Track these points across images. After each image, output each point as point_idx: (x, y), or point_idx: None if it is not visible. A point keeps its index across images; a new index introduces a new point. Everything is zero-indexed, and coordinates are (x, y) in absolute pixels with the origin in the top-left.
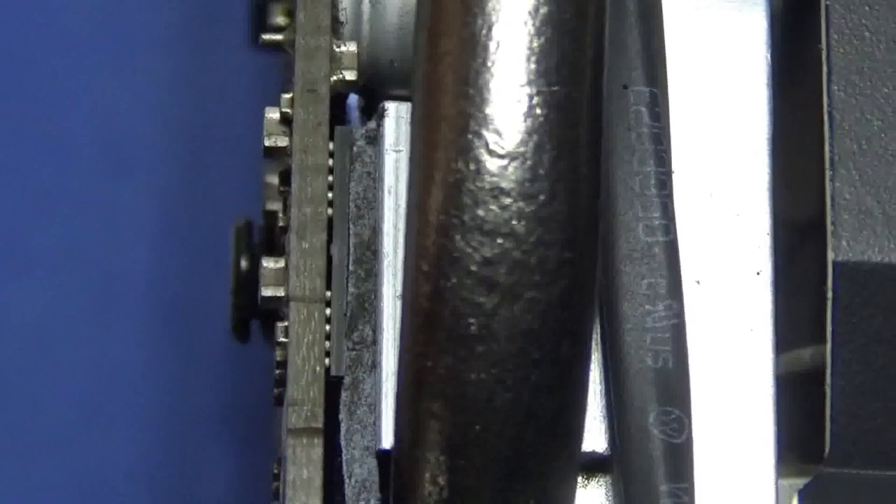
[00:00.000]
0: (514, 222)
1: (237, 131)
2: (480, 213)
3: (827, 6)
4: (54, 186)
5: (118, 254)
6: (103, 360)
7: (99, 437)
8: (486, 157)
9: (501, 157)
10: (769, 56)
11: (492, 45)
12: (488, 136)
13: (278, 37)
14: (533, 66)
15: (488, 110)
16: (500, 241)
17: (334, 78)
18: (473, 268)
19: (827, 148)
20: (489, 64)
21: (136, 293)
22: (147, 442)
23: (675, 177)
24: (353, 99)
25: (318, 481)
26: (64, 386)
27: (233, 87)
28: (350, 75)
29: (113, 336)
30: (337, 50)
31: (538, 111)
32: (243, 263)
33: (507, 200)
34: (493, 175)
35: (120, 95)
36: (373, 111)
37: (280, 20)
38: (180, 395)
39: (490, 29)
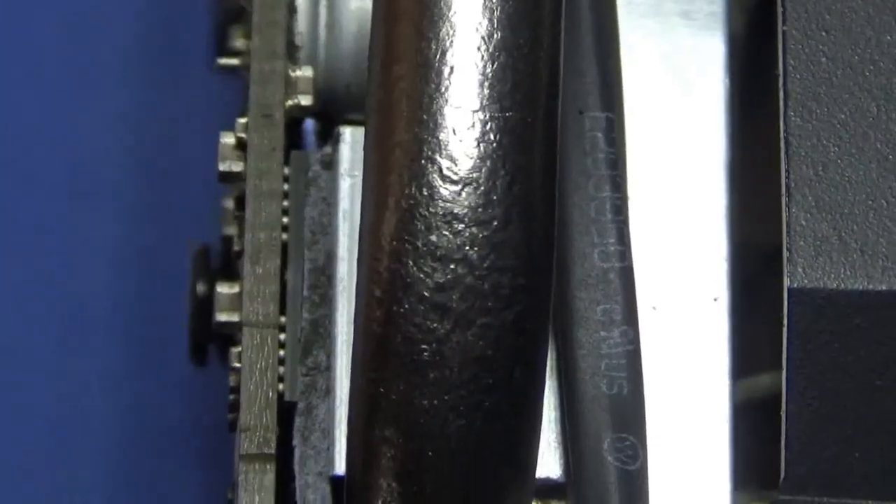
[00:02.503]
0: (467, 248)
1: (200, 154)
2: (433, 238)
3: (784, 32)
4: (13, 210)
5: (80, 278)
6: (66, 384)
7: (61, 461)
8: (439, 183)
9: (455, 182)
10: (727, 81)
11: (445, 71)
12: (441, 161)
13: (234, 61)
14: (486, 91)
15: (441, 136)
16: (452, 266)
17: (290, 103)
18: (426, 293)
19: (783, 174)
20: (442, 89)
21: (98, 317)
22: (109, 465)
23: (631, 202)
24: (309, 124)
25: None
26: (26, 410)
27: (196, 110)
28: (305, 100)
29: (76, 360)
30: (292, 74)
31: (491, 136)
32: (200, 288)
33: (461, 226)
34: (446, 201)
35: (82, 119)
36: (329, 136)
37: (239, 43)
38: (143, 418)
39: (443, 54)
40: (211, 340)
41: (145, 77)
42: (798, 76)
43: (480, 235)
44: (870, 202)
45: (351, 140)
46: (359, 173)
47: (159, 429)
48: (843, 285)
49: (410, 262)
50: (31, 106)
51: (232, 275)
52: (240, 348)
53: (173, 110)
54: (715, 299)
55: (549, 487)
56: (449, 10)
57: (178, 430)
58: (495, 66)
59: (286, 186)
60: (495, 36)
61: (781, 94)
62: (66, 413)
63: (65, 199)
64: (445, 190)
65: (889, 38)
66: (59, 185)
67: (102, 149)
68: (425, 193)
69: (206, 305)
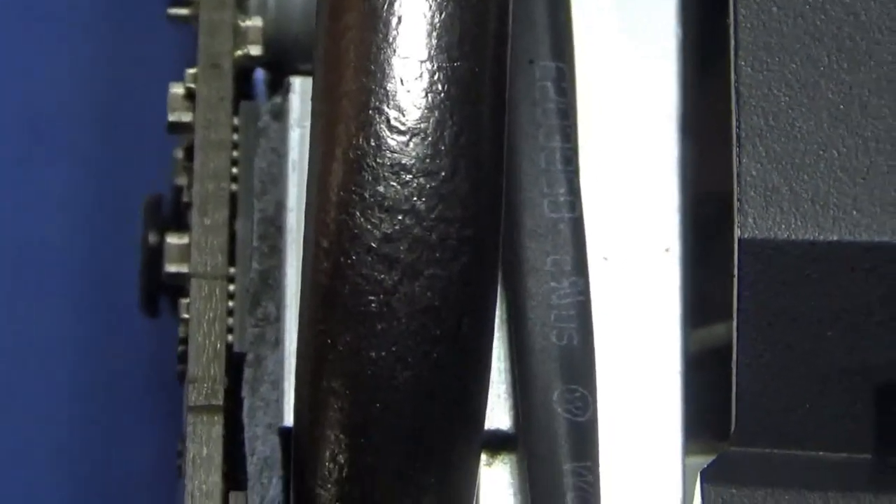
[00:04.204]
0: (414, 199)
1: (156, 104)
2: (381, 189)
3: None
4: None
5: (33, 227)
6: (19, 333)
7: (11, 412)
8: (386, 134)
9: (402, 133)
10: (679, 31)
11: (393, 21)
12: (389, 112)
13: (184, 11)
14: (434, 41)
15: (389, 86)
16: (400, 217)
17: (239, 53)
18: (374, 244)
19: (734, 124)
20: (390, 39)
21: (51, 266)
22: (61, 416)
23: (582, 152)
24: (259, 74)
25: (217, 459)
26: None
27: (154, 59)
28: (255, 50)
29: (28, 309)
30: (242, 24)
31: (439, 87)
32: (151, 238)
33: (408, 177)
34: (393, 151)
35: (36, 68)
36: (279, 86)
37: None
38: (96, 369)
39: (391, 4)
40: (162, 291)
41: (102, 25)
42: (748, 26)
43: (428, 186)
44: (821, 152)
45: (301, 90)
46: (308, 124)
47: (112, 380)
48: (793, 236)
49: (358, 213)
50: None
51: (183, 225)
52: (189, 299)
53: (130, 58)
54: (666, 250)
55: (499, 439)
56: None
57: (131, 382)
58: (443, 15)
59: (235, 137)
60: None
61: (732, 43)
62: (18, 363)
63: (17, 146)
64: (393, 140)
65: None
66: (14, 133)
67: (57, 97)
68: (373, 144)
69: (157, 256)
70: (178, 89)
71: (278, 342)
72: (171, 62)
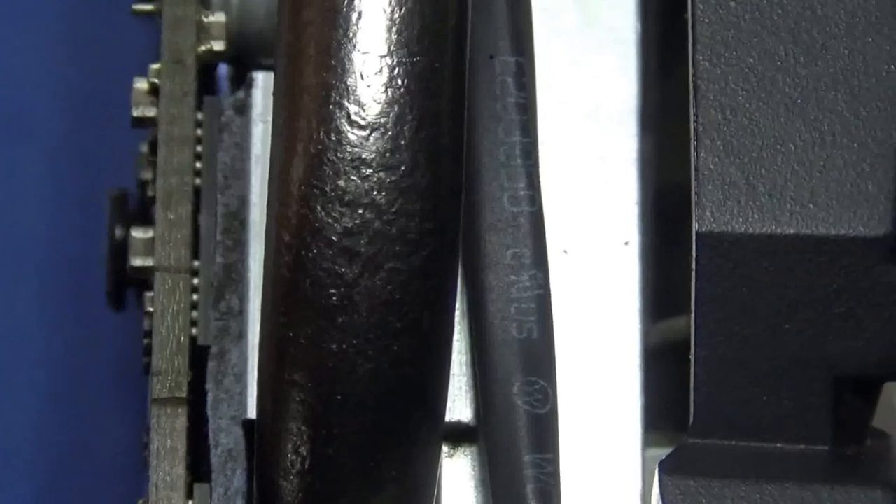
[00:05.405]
0: (375, 193)
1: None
2: (341, 183)
3: None
4: None
5: (5, 219)
6: None
7: None
8: (347, 128)
9: (362, 127)
10: (639, 24)
11: (353, 16)
12: (350, 106)
13: (148, 6)
14: (394, 36)
15: (349, 81)
16: (360, 211)
17: (202, 48)
18: (334, 238)
19: (692, 118)
20: (350, 34)
21: (20, 258)
22: (29, 407)
23: (542, 146)
24: (223, 69)
25: (182, 451)
26: None
27: (124, 52)
28: (218, 45)
29: (2, 300)
30: (205, 20)
31: (399, 82)
32: (118, 232)
33: (368, 171)
34: (354, 146)
35: (3, 62)
36: (242, 81)
37: None
38: (64, 361)
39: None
40: (128, 284)
41: (71, 17)
42: (706, 20)
43: (388, 180)
44: (778, 146)
45: (263, 85)
46: (271, 118)
47: (81, 372)
48: (751, 229)
49: (319, 207)
50: None
51: (148, 219)
52: (153, 293)
53: (101, 51)
54: (626, 243)
55: (460, 431)
56: None
57: (101, 373)
58: (403, 11)
59: (199, 132)
60: None
61: (690, 37)
62: None
63: None
64: (353, 135)
65: None
66: None
67: (27, 89)
68: (333, 138)
69: (123, 249)
70: (141, 84)
71: (242, 335)
72: (141, 56)
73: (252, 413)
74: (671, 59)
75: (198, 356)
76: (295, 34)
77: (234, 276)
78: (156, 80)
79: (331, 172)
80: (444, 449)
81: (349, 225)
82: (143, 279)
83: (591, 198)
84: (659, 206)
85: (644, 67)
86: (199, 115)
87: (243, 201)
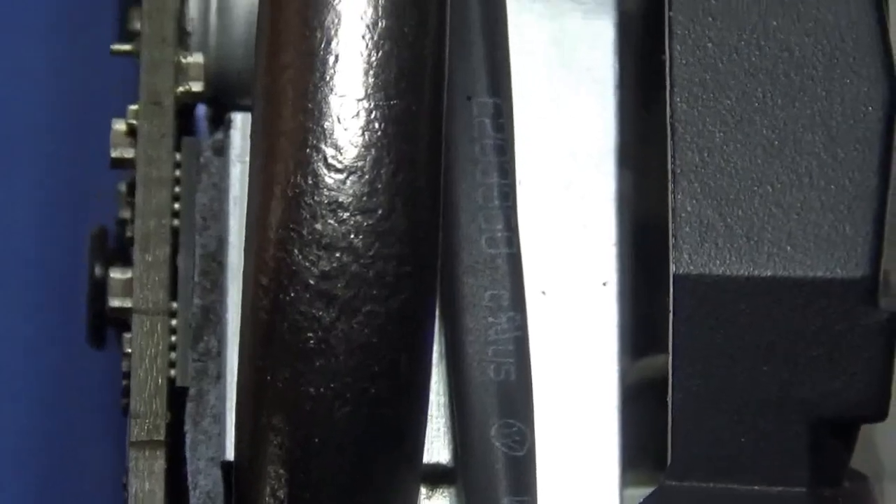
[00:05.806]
0: (352, 236)
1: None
2: (318, 227)
3: (670, 17)
4: None
5: None
6: None
7: None
8: (324, 172)
9: (339, 171)
10: (617, 65)
11: (330, 59)
12: (327, 150)
13: (127, 47)
14: (371, 79)
15: (327, 124)
16: (338, 254)
17: (181, 89)
18: (311, 281)
19: (669, 160)
20: (327, 78)
21: (12, 291)
22: (25, 442)
23: (520, 187)
24: (201, 109)
25: (160, 493)
26: None
27: (108, 91)
28: (197, 86)
29: None
30: (184, 61)
31: (376, 125)
32: (97, 271)
33: (345, 214)
34: (331, 189)
35: None
36: (221, 122)
37: (137, 26)
38: (46, 398)
39: (329, 43)
40: (108, 323)
41: (58, 56)
42: (684, 62)
43: (365, 224)
44: (755, 188)
45: (242, 126)
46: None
47: (63, 409)
48: (728, 271)
49: (296, 251)
50: None
51: (128, 258)
52: (131, 335)
53: (85, 90)
54: (604, 284)
55: (438, 473)
56: None
57: (81, 411)
58: (380, 54)
59: (177, 173)
60: (380, 24)
61: (668, 79)
62: None
63: None
64: (330, 178)
65: (774, 23)
66: None
67: (12, 126)
68: (311, 182)
69: (102, 289)
70: (120, 125)
71: (220, 376)
72: (124, 94)
73: (230, 455)
74: (650, 96)
75: (176, 397)
76: (272, 77)
77: (212, 317)
78: (134, 122)
79: (308, 216)
80: (423, 490)
81: (326, 268)
82: (123, 319)
83: (569, 238)
84: (638, 244)
85: (622, 106)
86: (178, 156)
87: (221, 242)
